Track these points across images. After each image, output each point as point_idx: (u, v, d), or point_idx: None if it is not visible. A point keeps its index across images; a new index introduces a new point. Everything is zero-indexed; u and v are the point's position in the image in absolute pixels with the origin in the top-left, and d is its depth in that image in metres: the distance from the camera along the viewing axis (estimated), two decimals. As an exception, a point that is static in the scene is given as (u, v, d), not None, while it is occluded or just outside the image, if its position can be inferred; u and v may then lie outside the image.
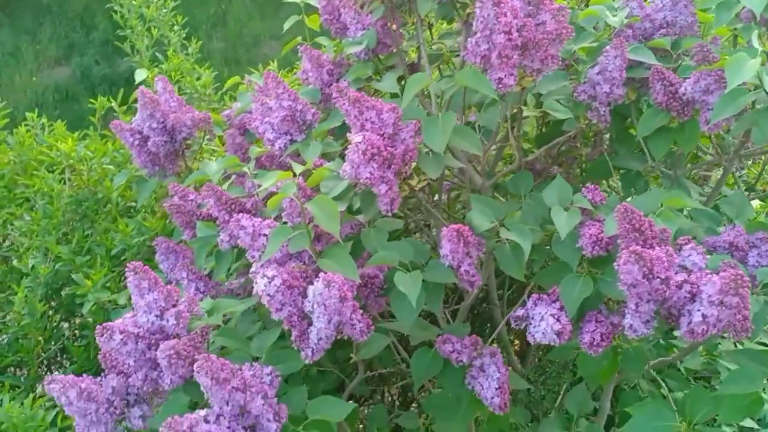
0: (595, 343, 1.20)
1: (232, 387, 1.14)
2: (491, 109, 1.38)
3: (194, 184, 1.70)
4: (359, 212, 1.38)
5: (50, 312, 2.17)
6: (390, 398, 1.85)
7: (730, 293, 0.96)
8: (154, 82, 1.96)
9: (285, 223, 1.33)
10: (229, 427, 1.15)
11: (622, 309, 1.25)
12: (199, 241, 1.57)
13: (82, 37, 5.37)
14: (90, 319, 2.02)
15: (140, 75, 2.07)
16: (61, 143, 2.21)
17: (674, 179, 1.41)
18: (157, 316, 1.24)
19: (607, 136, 1.69)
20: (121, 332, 1.21)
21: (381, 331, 1.36)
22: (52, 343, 2.09)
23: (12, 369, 2.07)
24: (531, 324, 1.24)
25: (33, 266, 2.07)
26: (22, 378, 2.02)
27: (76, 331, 2.09)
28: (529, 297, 1.26)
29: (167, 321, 1.25)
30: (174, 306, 1.26)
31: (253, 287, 1.67)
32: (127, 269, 1.26)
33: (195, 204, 1.66)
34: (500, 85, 1.21)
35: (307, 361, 1.23)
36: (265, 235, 1.30)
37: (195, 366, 1.13)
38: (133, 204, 2.36)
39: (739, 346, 1.78)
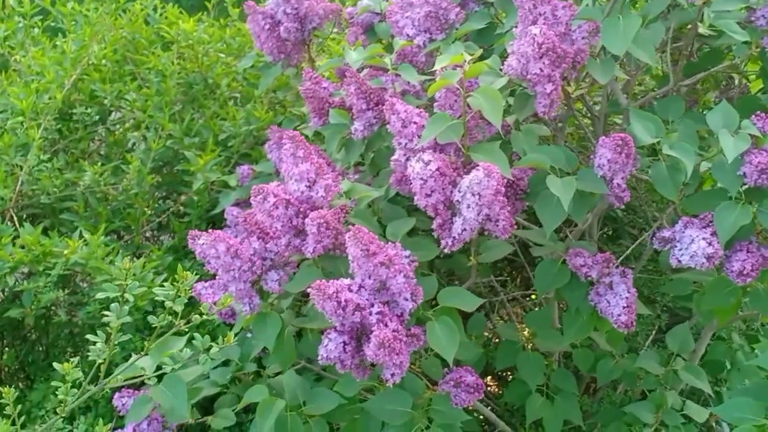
0: (744, 272, 1.19)
1: (379, 261, 1.16)
2: (654, 25, 1.34)
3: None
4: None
5: (154, 187, 2.22)
6: (488, 309, 1.87)
7: None
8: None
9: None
10: (368, 299, 1.18)
11: (774, 242, 1.23)
12: (332, 127, 1.58)
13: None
14: (195, 198, 2.07)
15: (277, -42, 2.04)
16: (182, 22, 2.22)
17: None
18: (307, 186, 1.26)
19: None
20: (275, 196, 1.23)
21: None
22: (155, 216, 2.15)
23: (113, 235, 2.15)
24: (677, 246, 1.23)
25: (146, 139, 2.12)
26: (125, 245, 2.09)
27: (181, 208, 2.15)
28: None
29: (316, 192, 1.27)
30: (322, 180, 1.28)
31: (369, 183, 1.71)
32: (285, 136, 1.27)
33: (328, 92, 1.67)
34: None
35: (446, 250, 1.24)
36: (415, 123, 1.30)
37: (348, 236, 1.15)
38: (237, 96, 2.38)
39: None
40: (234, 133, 2.14)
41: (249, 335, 1.46)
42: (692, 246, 1.19)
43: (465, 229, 1.21)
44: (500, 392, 2.01)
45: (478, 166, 1.18)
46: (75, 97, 2.17)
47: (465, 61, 1.22)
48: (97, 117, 2.20)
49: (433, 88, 1.26)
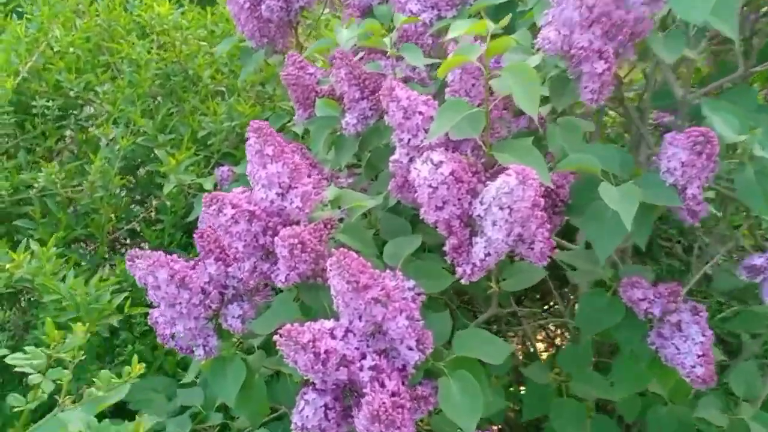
0: None
1: (372, 297, 0.80)
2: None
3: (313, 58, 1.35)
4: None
5: (125, 190, 1.87)
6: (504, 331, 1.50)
7: None
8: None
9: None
10: (358, 348, 0.83)
11: None
12: (319, 121, 1.22)
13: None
14: (168, 203, 1.72)
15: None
16: (156, 5, 1.87)
17: None
18: (278, 193, 0.90)
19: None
20: (233, 206, 0.87)
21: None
22: (124, 222, 1.79)
23: (78, 244, 1.80)
24: (768, 277, 0.87)
25: (113, 137, 1.76)
26: (87, 256, 1.74)
27: (152, 213, 1.79)
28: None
29: (290, 202, 0.90)
30: (300, 186, 0.92)
31: (365, 188, 1.34)
32: (249, 128, 0.91)
33: (314, 79, 1.31)
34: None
35: (463, 281, 0.88)
36: (420, 112, 0.94)
37: (330, 262, 0.79)
38: (222, 89, 2.03)
39: None
40: (214, 129, 1.78)
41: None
42: (795, 279, 0.84)
43: (489, 254, 0.85)
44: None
45: (506, 169, 0.82)
46: (36, 87, 1.82)
47: (487, 32, 0.86)
48: (64, 111, 1.85)
49: (444, 67, 0.89)
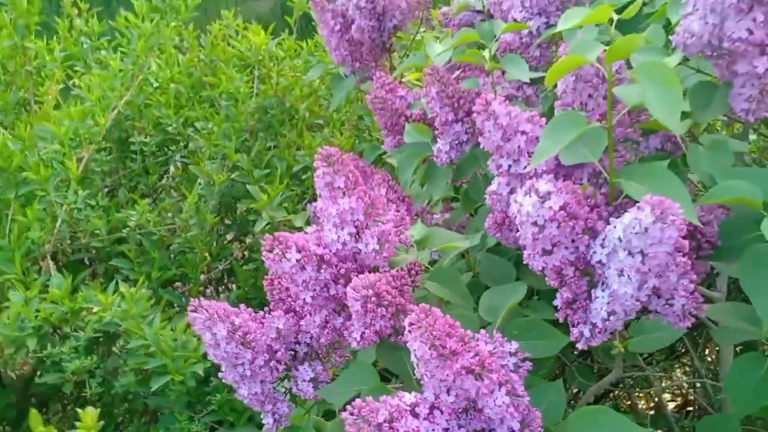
0: None
1: (462, 366, 0.63)
2: None
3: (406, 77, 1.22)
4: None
5: (222, 228, 1.82)
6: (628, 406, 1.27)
7: None
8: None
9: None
10: (446, 429, 0.66)
11: None
12: (407, 148, 1.08)
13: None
14: (262, 241, 1.64)
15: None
16: (252, 35, 1.82)
17: None
18: (351, 234, 0.76)
19: None
20: (299, 250, 0.74)
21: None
22: (220, 262, 1.74)
23: (172, 284, 1.76)
24: None
25: (208, 171, 1.72)
26: (182, 297, 1.69)
27: (246, 252, 1.72)
28: None
29: (366, 244, 0.76)
30: (377, 223, 0.77)
31: (463, 225, 1.18)
32: (318, 157, 0.78)
33: (405, 102, 1.17)
34: None
35: (580, 346, 0.69)
36: (524, 132, 0.77)
37: (407, 322, 0.64)
38: (320, 122, 1.95)
39: None
40: (309, 164, 1.70)
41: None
42: None
43: (614, 312, 0.65)
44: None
45: (636, 203, 0.63)
46: (135, 123, 1.82)
47: (612, 21, 0.67)
48: (164, 147, 1.85)
49: (553, 73, 0.71)
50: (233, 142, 1.72)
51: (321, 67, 1.55)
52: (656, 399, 1.41)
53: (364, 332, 0.73)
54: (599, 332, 0.67)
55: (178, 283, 1.75)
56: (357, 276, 0.73)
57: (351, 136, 1.75)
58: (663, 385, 1.26)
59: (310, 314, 0.77)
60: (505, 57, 1.00)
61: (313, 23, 2.00)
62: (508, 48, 1.11)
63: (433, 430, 0.65)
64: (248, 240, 1.72)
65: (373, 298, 0.71)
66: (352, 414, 0.63)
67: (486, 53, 1.05)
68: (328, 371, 0.81)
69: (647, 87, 0.63)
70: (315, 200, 1.57)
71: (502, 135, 0.77)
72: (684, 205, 0.63)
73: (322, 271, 0.75)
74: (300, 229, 1.50)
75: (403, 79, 1.31)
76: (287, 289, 0.84)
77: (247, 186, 1.64)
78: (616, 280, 0.63)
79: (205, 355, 1.32)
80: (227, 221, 1.81)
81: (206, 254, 1.66)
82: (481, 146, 0.81)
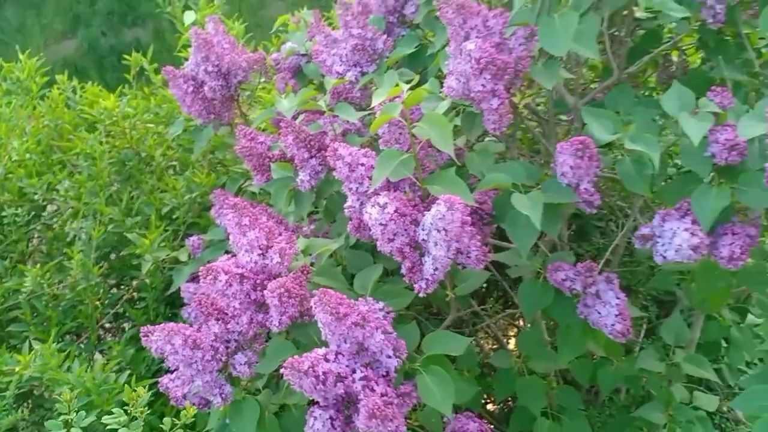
0: (734, 257, 1.11)
1: (352, 322, 1.05)
2: (588, 17, 1.26)
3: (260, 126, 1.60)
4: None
5: (102, 278, 2.08)
6: (476, 339, 1.77)
7: None
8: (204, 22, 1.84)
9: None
10: (348, 366, 1.07)
11: (755, 220, 1.16)
12: (277, 182, 1.47)
13: (86, 7, 5.20)
14: (147, 281, 1.93)
15: (189, 17, 1.94)
16: (103, 100, 2.10)
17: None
18: (260, 254, 1.14)
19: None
20: (226, 273, 1.11)
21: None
22: (109, 308, 2.00)
23: (70, 336, 1.99)
24: (659, 242, 1.15)
25: (84, 230, 1.97)
26: (81, 345, 1.93)
27: (134, 294, 2.00)
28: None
29: (271, 259, 1.15)
30: (276, 244, 1.17)
31: (326, 232, 1.59)
32: (225, 206, 1.16)
33: (266, 146, 1.56)
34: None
35: (421, 294, 1.14)
36: (362, 164, 1.20)
37: (314, 301, 1.04)
38: (175, 164, 2.26)
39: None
40: (177, 204, 2.02)
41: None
42: (675, 240, 1.11)
43: (437, 268, 1.11)
44: (506, 412, 1.90)
45: (438, 199, 1.08)
46: (2, 198, 2.02)
47: (402, 91, 1.12)
48: (32, 214, 2.06)
49: (375, 125, 1.16)
50: (101, 198, 1.99)
51: (181, 123, 1.88)
52: (498, 340, 1.91)
53: (281, 318, 1.12)
54: (431, 283, 1.12)
55: (73, 336, 1.99)
56: (269, 282, 1.11)
57: (209, 173, 2.09)
58: (497, 321, 1.76)
59: (239, 316, 1.15)
60: (337, 105, 1.43)
61: (146, 72, 2.31)
62: (337, 94, 1.54)
63: (340, 367, 1.05)
64: (134, 282, 1.99)
65: (285, 293, 1.10)
66: (287, 368, 1.02)
67: (322, 102, 1.47)
68: (256, 355, 1.19)
69: (430, 130, 1.08)
70: (191, 235, 1.89)
71: (348, 168, 1.19)
72: (464, 196, 1.09)
73: (243, 284, 1.13)
74: (186, 263, 1.83)
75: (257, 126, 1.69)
76: (212, 304, 1.20)
77: (126, 234, 1.92)
78: (434, 248, 1.08)
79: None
80: (107, 270, 2.06)
81: (96, 303, 1.92)
82: (334, 175, 1.23)
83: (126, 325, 2.07)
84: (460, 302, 1.44)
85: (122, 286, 2.13)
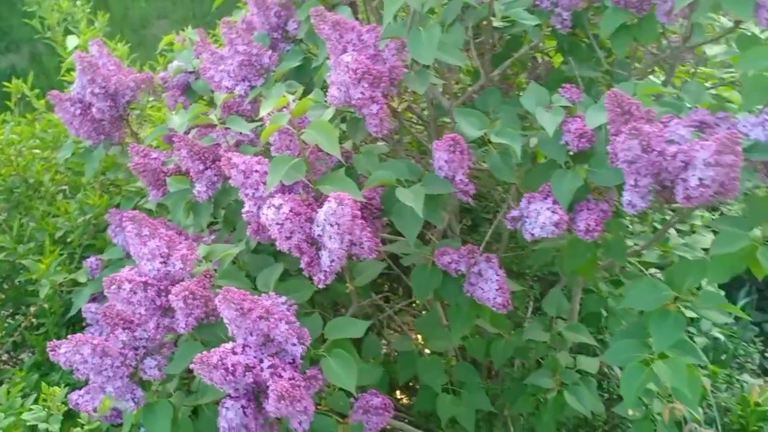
0: (590, 229, 1.28)
1: (257, 316, 1.13)
2: (453, 28, 1.42)
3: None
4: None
5: (-3, 307, 2.04)
6: (379, 326, 1.88)
7: (725, 152, 1.05)
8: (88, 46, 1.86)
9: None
10: (255, 356, 1.15)
11: (608, 196, 1.34)
12: (174, 196, 1.53)
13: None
14: (45, 306, 1.92)
15: (72, 42, 1.95)
16: (-17, 128, 2.06)
17: (628, 79, 1.51)
18: (162, 262, 1.20)
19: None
20: (129, 281, 1.16)
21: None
22: (7, 337, 1.96)
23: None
24: (527, 222, 1.31)
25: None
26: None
27: (33, 320, 1.98)
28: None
29: (173, 266, 1.21)
30: (176, 251, 1.23)
31: (227, 240, 1.66)
32: (124, 219, 1.21)
33: (159, 162, 1.61)
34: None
35: (320, 285, 1.23)
36: (256, 171, 1.29)
37: (218, 300, 1.11)
38: (65, 188, 2.24)
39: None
40: (71, 227, 2.01)
41: (142, 430, 1.36)
42: (539, 218, 1.27)
43: (333, 260, 1.21)
44: (413, 401, 2.03)
45: (329, 197, 1.18)
46: None
47: (289, 101, 1.22)
48: None
49: (265, 134, 1.25)
50: (-10, 226, 1.96)
51: (70, 146, 1.88)
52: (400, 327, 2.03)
53: (187, 320, 1.19)
54: (328, 274, 1.22)
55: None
56: (173, 287, 1.18)
57: (102, 194, 2.09)
58: (397, 312, 1.89)
59: (146, 322, 1.20)
60: (228, 118, 1.50)
61: (28, 97, 2.28)
62: (228, 108, 1.61)
63: (248, 359, 1.13)
64: (32, 309, 1.97)
65: (190, 295, 1.17)
66: (197, 362, 1.09)
67: (213, 115, 1.54)
68: (165, 359, 1.25)
69: (318, 135, 1.19)
70: (88, 257, 1.89)
71: (243, 176, 1.28)
72: (353, 193, 1.20)
73: (148, 290, 1.18)
74: (85, 284, 1.84)
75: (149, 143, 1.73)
76: (118, 314, 1.25)
77: (21, 261, 1.90)
78: (328, 241, 1.19)
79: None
80: (1, 299, 2.02)
81: (-7, 334, 1.89)
82: (231, 183, 1.31)
83: (24, 356, 2.04)
84: (361, 294, 1.55)
85: (18, 315, 2.09)
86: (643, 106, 1.19)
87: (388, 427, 1.51)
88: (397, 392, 2.12)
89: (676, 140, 1.16)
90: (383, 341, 1.97)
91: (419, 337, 1.80)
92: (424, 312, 2.11)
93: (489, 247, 1.46)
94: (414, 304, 2.09)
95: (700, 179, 1.09)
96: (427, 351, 1.64)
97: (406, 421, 1.78)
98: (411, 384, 2.06)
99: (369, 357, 1.62)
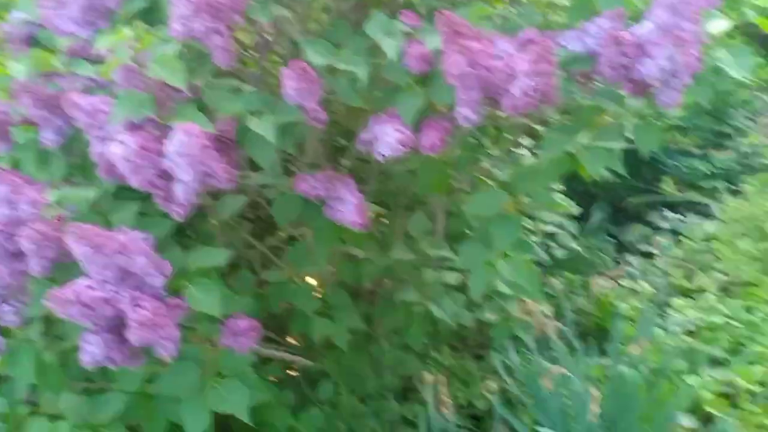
0: (434, 144, 1.36)
1: (112, 250, 1.14)
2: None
3: (-3, 94, 1.58)
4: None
5: None
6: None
7: (541, 62, 1.15)
8: None
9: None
10: (115, 291, 1.17)
11: (449, 113, 1.43)
12: (22, 146, 1.48)
13: None
14: None
15: None
16: None
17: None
18: (10, 207, 1.19)
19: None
20: (-25, 229, 1.14)
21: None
22: None
23: None
24: (377, 144, 1.37)
25: None
26: None
27: None
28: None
29: (22, 210, 1.20)
30: (25, 195, 1.21)
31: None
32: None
33: (4, 113, 1.55)
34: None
35: (177, 218, 1.26)
36: (103, 110, 1.28)
37: (69, 236, 1.12)
38: None
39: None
40: None
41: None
42: (387, 139, 1.34)
43: (188, 192, 1.23)
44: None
45: (177, 129, 1.20)
46: None
47: (130, 37, 1.22)
48: None
49: (105, 70, 1.24)
50: None
51: None
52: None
53: (40, 262, 1.18)
54: (185, 207, 1.24)
55: None
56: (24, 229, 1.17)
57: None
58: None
59: (-1, 269, 1.19)
60: (72, 62, 1.47)
61: None
62: (73, 53, 1.57)
63: (108, 293, 1.15)
64: None
65: (40, 237, 1.16)
66: (51, 299, 1.09)
67: (56, 62, 1.50)
68: (23, 304, 1.24)
69: (162, 70, 1.20)
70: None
71: (88, 116, 1.26)
72: (202, 125, 1.22)
73: (-2, 237, 1.17)
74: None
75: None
76: (-31, 265, 1.22)
77: None
78: (181, 174, 1.21)
79: None
80: None
81: None
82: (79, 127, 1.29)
83: None
84: (227, 231, 1.58)
85: None
86: (475, 28, 1.28)
87: (267, 356, 1.57)
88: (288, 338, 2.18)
89: (503, 57, 1.26)
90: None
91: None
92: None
93: (361, 180, 1.52)
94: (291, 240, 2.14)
95: (523, 89, 1.19)
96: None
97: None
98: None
99: (243, 291, 1.66)
